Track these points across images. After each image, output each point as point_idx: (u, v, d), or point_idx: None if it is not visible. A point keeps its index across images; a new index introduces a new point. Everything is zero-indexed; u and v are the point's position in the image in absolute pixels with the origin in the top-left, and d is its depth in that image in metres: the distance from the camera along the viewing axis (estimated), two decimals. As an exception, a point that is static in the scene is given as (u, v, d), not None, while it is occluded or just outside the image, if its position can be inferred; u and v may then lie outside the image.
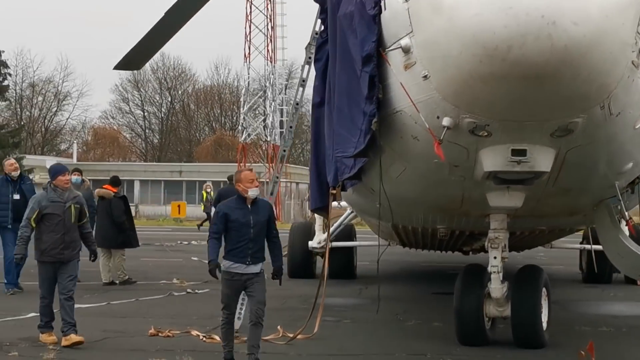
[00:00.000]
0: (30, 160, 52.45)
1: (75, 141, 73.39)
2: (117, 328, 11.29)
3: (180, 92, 79.54)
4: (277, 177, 11.84)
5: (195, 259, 21.90)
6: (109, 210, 16.28)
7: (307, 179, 15.44)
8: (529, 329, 9.91)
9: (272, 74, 49.10)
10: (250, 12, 48.87)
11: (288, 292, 14.20)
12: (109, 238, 16.22)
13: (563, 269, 19.30)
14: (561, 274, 18.35)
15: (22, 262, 10.67)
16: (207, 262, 9.03)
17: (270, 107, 49.65)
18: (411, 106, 8.19)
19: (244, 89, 51.15)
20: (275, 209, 47.08)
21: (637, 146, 8.94)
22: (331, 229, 13.50)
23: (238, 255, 8.75)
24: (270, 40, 48.65)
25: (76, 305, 10.54)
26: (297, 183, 55.46)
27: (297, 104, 12.05)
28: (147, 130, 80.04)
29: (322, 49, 11.21)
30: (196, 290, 15.42)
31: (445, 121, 7.91)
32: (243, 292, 11.18)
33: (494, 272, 9.83)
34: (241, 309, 11.42)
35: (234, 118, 78.20)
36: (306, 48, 11.96)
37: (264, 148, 61.08)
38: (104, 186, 16.91)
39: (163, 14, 18.22)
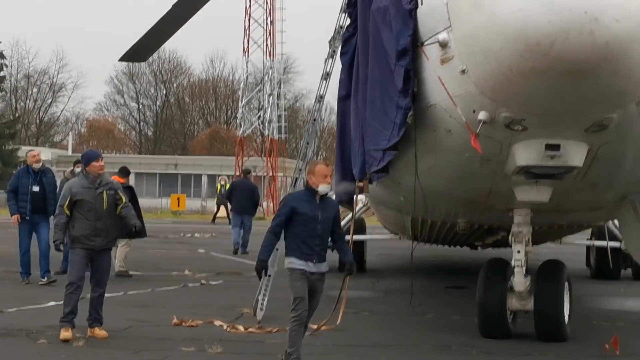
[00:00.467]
0: (25, 151, 52.20)
1: (70, 132, 73.33)
2: (139, 317, 11.35)
3: (175, 85, 79.53)
4: (300, 172, 11.88)
5: (202, 251, 21.97)
6: (117, 201, 16.22)
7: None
8: (551, 322, 10.01)
9: (271, 68, 49.06)
10: (250, 5, 48.86)
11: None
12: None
13: (569, 265, 19.31)
14: (568, 270, 18.35)
15: (64, 248, 10.27)
16: (255, 260, 8.51)
17: (268, 101, 49.60)
18: (446, 100, 8.29)
19: (242, 82, 51.10)
20: (272, 202, 47.20)
21: None
22: (342, 222, 13.52)
23: (305, 252, 8.26)
24: (269, 34, 48.64)
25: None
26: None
27: (321, 96, 12.08)
28: (141, 123, 79.96)
29: (348, 42, 11.30)
30: (210, 282, 15.48)
31: (482, 115, 8.00)
32: (267, 278, 11.18)
33: (517, 265, 9.93)
34: (264, 299, 11.49)
35: (229, 112, 78.13)
36: (330, 42, 12.01)
37: (258, 142, 61.09)
38: (112, 177, 16.85)
39: (171, 6, 18.25)
